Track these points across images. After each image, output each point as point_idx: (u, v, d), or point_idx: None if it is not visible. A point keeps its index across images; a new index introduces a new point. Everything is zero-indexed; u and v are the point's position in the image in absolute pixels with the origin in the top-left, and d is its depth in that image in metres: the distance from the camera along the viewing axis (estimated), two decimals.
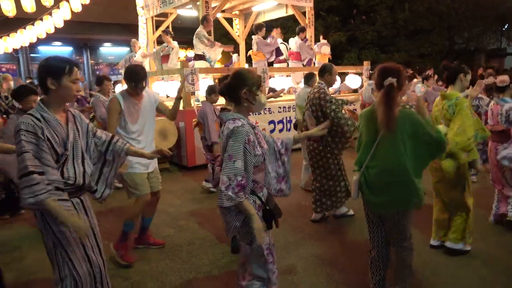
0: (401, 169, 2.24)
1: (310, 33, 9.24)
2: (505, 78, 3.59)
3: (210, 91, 4.82)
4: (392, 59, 14.05)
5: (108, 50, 22.56)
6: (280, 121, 7.52)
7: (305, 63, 8.51)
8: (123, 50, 22.79)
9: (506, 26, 17.88)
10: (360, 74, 8.56)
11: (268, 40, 8.09)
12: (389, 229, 2.42)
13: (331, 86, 4.02)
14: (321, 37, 9.44)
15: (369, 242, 2.55)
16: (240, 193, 1.86)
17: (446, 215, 3.25)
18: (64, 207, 1.89)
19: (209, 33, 7.18)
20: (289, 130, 7.54)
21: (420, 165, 2.32)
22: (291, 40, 8.67)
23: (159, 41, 9.21)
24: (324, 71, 3.96)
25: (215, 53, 7.34)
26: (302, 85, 5.71)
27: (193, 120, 4.96)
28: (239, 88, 2.00)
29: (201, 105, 5.03)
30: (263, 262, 2.12)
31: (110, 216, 4.39)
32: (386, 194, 2.31)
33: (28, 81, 10.48)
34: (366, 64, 8.87)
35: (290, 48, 8.70)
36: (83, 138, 2.12)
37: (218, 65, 8.25)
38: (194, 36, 7.06)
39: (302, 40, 8.37)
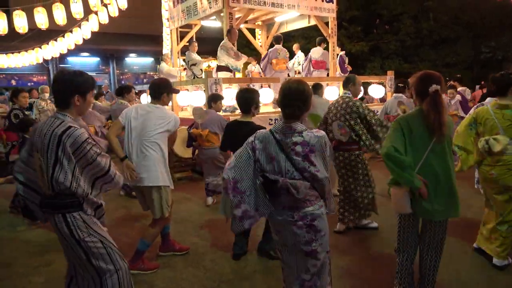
0: (451, 175, 2.32)
1: (332, 43, 9.24)
2: None
3: (216, 98, 4.92)
4: (416, 69, 13.84)
5: (133, 60, 23.19)
6: None
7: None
8: (147, 60, 23.39)
9: None
10: (383, 84, 8.47)
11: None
12: (431, 237, 2.47)
13: (357, 96, 3.99)
14: (338, 49, 9.52)
15: (399, 250, 2.58)
16: None
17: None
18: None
19: (233, 44, 7.32)
20: None
21: None
22: (313, 50, 8.71)
23: (183, 52, 9.40)
24: (348, 82, 3.94)
25: (239, 63, 7.48)
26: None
27: (204, 131, 4.90)
28: (305, 110, 2.06)
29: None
30: (328, 268, 2.17)
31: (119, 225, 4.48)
32: (439, 201, 2.32)
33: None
34: (390, 74, 8.77)
35: (311, 58, 8.73)
36: None
37: (238, 75, 8.38)
38: (219, 48, 7.19)
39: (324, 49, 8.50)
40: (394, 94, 6.53)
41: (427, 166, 2.31)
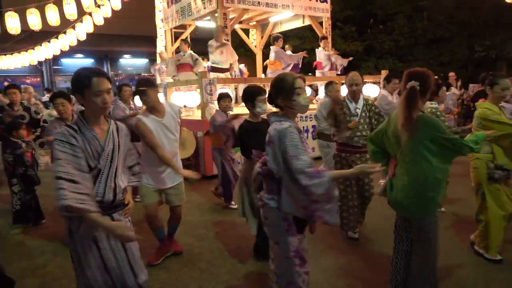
0: (421, 174, 2.26)
1: (327, 43, 9.26)
2: None
3: (219, 97, 4.84)
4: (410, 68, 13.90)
5: (128, 61, 23.11)
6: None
7: (326, 70, 8.62)
8: (142, 61, 23.31)
9: None
10: (377, 84, 8.50)
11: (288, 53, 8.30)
12: (414, 236, 2.44)
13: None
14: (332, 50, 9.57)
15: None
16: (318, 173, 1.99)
17: None
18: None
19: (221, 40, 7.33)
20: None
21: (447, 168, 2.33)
22: (317, 50, 8.73)
23: (178, 52, 9.38)
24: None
25: (227, 58, 7.45)
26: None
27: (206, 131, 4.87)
28: (276, 98, 2.13)
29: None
30: (290, 264, 2.13)
31: None
32: (404, 195, 2.34)
33: (46, 94, 10.73)
34: (384, 73, 8.80)
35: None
36: (123, 153, 2.12)
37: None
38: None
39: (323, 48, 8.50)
40: (383, 90, 6.47)
41: (400, 162, 2.36)
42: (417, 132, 2.20)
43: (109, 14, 9.52)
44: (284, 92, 2.09)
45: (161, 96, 8.08)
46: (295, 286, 2.14)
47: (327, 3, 9.23)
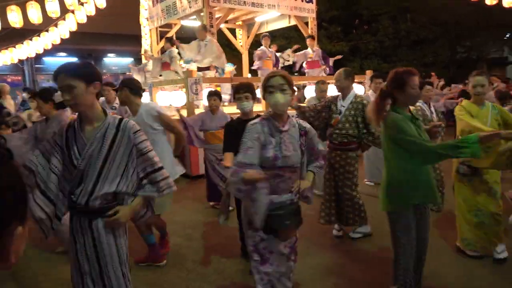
0: (385, 175, 2.41)
1: (312, 41, 9.31)
2: None
3: (207, 95, 4.71)
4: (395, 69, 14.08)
5: (112, 60, 22.82)
6: None
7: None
8: (127, 60, 23.01)
9: (508, 35, 17.93)
10: (362, 84, 8.59)
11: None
12: None
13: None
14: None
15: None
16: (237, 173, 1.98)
17: None
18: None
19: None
20: None
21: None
22: (308, 50, 8.70)
23: (163, 51, 9.30)
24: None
25: (204, 57, 7.37)
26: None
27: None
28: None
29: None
30: (251, 257, 2.19)
31: None
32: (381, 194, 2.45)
33: (23, 93, 10.41)
34: (368, 73, 8.89)
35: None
36: (121, 155, 1.90)
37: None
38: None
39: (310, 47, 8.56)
40: (371, 89, 6.54)
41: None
42: (384, 131, 2.35)
43: (93, 12, 9.38)
44: (262, 90, 2.14)
45: (146, 96, 8.01)
46: (255, 279, 2.16)
47: (312, 3, 9.28)
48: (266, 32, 9.52)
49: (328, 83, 5.53)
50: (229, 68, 9.17)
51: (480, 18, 15.28)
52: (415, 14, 15.54)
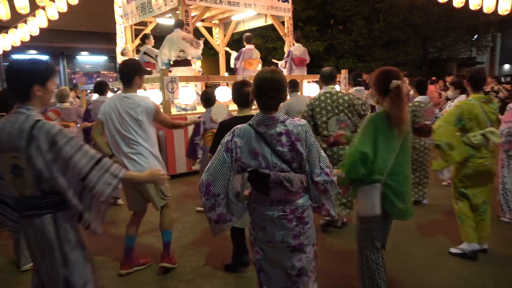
0: (410, 174, 2.35)
1: (288, 42, 9.41)
2: None
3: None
4: (369, 68, 14.39)
5: (86, 58, 22.24)
6: None
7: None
8: (101, 58, 22.53)
9: (476, 37, 18.61)
10: (338, 82, 8.74)
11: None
12: (385, 234, 2.47)
13: None
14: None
15: (367, 249, 2.40)
16: None
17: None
18: None
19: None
20: None
21: None
22: (293, 47, 8.64)
23: (138, 50, 9.17)
24: (333, 76, 3.89)
25: (200, 51, 7.33)
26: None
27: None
28: None
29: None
30: (314, 259, 2.07)
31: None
32: (408, 200, 2.30)
33: None
34: (344, 72, 9.06)
35: (292, 56, 8.62)
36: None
37: (198, 62, 8.30)
38: (182, 41, 7.05)
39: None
40: (355, 88, 6.63)
41: (398, 166, 2.26)
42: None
43: (65, 9, 9.14)
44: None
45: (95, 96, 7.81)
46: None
47: (288, 2, 9.37)
48: (243, 31, 9.52)
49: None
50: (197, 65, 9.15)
51: (449, 19, 15.82)
52: (388, 15, 15.90)
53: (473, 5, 8.03)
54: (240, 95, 3.04)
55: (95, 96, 7.81)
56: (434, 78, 13.09)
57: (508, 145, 3.89)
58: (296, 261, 1.96)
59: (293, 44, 8.73)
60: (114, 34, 10.47)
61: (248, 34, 8.19)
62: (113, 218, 4.59)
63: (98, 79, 6.08)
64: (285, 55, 8.83)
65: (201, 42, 7.35)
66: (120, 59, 9.05)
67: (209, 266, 3.28)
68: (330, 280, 2.98)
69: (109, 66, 22.19)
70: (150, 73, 3.66)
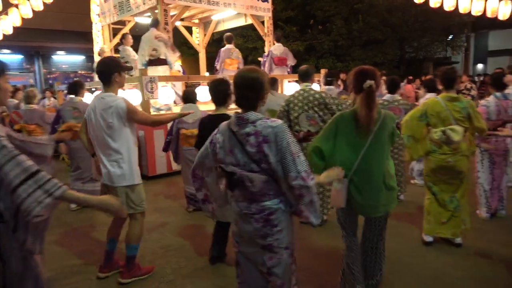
0: (387, 170, 2.35)
1: (268, 42, 9.44)
2: None
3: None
4: (348, 68, 14.59)
5: (62, 58, 21.76)
6: None
7: (289, 69, 8.72)
8: (78, 58, 22.08)
9: (451, 37, 19.13)
10: (318, 82, 8.82)
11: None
12: (372, 231, 2.50)
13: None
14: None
15: (342, 235, 2.55)
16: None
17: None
18: None
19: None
20: None
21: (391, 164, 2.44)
22: (273, 47, 8.65)
23: (117, 49, 9.03)
24: (309, 74, 3.99)
25: (175, 58, 7.30)
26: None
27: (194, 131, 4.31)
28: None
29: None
30: (292, 263, 2.05)
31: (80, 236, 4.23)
32: (373, 197, 2.34)
33: None
34: (323, 72, 9.14)
35: (272, 55, 8.61)
36: None
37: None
38: (154, 40, 6.97)
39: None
40: (326, 87, 6.73)
41: (364, 163, 2.30)
42: (382, 127, 2.33)
43: (40, 7, 8.91)
44: None
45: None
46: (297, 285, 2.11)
47: (268, 2, 9.39)
48: (223, 30, 9.48)
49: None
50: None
51: (425, 20, 16.21)
52: (367, 16, 16.15)
53: (448, 6, 8.25)
54: (215, 93, 3.14)
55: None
56: (410, 77, 13.41)
57: (477, 140, 4.02)
58: (267, 259, 1.97)
59: (274, 44, 8.77)
60: (92, 33, 10.27)
61: (228, 34, 8.17)
62: (92, 221, 4.51)
63: (75, 79, 5.93)
64: (265, 55, 8.86)
65: (177, 51, 7.26)
66: (97, 59, 8.89)
67: (190, 266, 3.27)
68: (313, 277, 3.02)
69: (86, 66, 21.76)
70: (130, 69, 3.55)
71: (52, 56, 21.25)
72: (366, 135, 2.29)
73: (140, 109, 5.08)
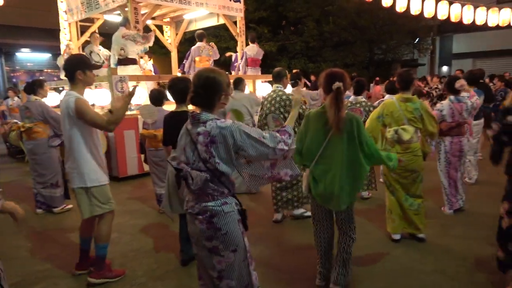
0: (345, 166, 2.47)
1: (241, 42, 9.44)
2: None
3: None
4: (320, 69, 14.82)
5: (27, 56, 20.92)
6: None
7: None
8: (44, 56, 21.27)
9: (417, 40, 19.78)
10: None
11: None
12: (338, 223, 2.72)
13: (285, 88, 4.20)
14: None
15: (315, 237, 2.79)
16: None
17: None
18: None
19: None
20: None
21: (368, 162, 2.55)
22: (248, 47, 8.70)
23: (84, 47, 8.78)
24: (280, 76, 4.08)
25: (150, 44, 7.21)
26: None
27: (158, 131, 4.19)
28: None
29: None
30: (246, 266, 2.00)
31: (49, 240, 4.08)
32: (325, 189, 2.50)
33: None
34: (295, 72, 9.24)
35: (247, 56, 8.66)
36: None
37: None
38: (122, 39, 6.84)
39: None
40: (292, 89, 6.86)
41: (323, 158, 2.53)
42: (345, 127, 2.47)
43: (0, 2, 8.51)
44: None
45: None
46: (253, 287, 2.05)
47: (240, 3, 9.39)
48: (195, 29, 9.39)
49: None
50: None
51: (393, 23, 16.70)
52: (337, 18, 16.45)
53: (414, 10, 8.55)
54: (175, 91, 3.20)
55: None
56: (377, 78, 13.79)
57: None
58: (216, 262, 1.94)
59: (247, 45, 8.80)
60: (58, 30, 9.92)
61: (199, 31, 8.15)
62: (59, 225, 4.39)
63: (34, 78, 5.67)
64: (240, 56, 8.95)
65: (149, 35, 7.11)
66: (64, 57, 8.60)
67: (162, 268, 3.23)
68: (283, 275, 3.05)
69: (53, 64, 21.00)
70: (97, 67, 3.47)
71: (16, 54, 20.39)
72: (330, 131, 2.46)
73: (108, 108, 4.97)
